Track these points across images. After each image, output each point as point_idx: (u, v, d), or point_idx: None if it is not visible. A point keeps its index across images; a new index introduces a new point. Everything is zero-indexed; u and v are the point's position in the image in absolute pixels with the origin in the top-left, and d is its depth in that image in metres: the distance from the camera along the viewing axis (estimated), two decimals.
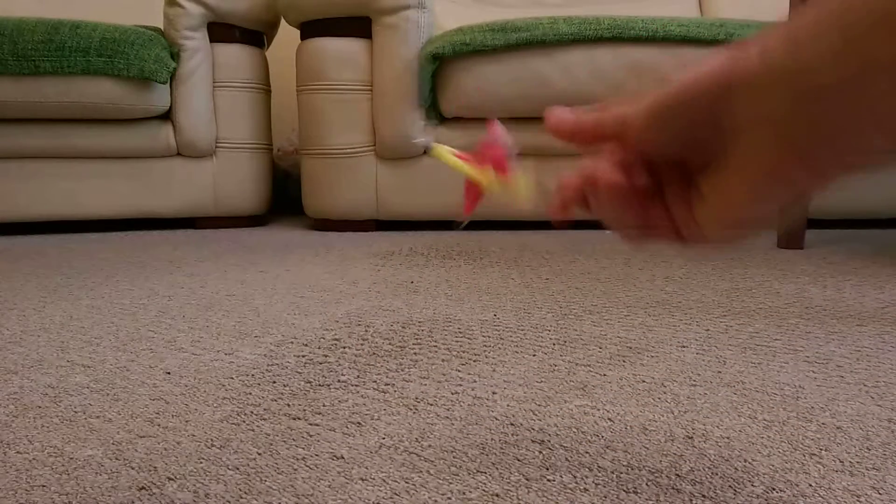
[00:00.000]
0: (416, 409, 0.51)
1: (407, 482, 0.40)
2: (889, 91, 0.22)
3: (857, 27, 0.22)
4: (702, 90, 0.27)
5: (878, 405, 0.52)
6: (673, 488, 0.40)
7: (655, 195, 0.34)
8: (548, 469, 0.42)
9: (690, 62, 0.28)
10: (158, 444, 0.46)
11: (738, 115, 0.26)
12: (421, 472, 0.42)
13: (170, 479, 0.41)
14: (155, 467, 0.42)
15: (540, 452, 0.44)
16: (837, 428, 0.48)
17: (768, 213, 0.29)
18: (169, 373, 0.60)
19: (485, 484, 0.40)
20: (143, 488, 0.40)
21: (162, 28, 1.74)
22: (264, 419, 0.50)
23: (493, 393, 0.55)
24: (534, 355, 0.65)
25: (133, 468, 0.42)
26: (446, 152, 0.42)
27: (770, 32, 0.26)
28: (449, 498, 0.38)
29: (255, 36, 1.85)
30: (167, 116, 1.71)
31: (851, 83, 0.22)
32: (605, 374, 0.59)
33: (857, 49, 0.22)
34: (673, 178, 0.33)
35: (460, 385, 0.57)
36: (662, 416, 0.50)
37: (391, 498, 0.38)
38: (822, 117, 0.24)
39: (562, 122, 0.35)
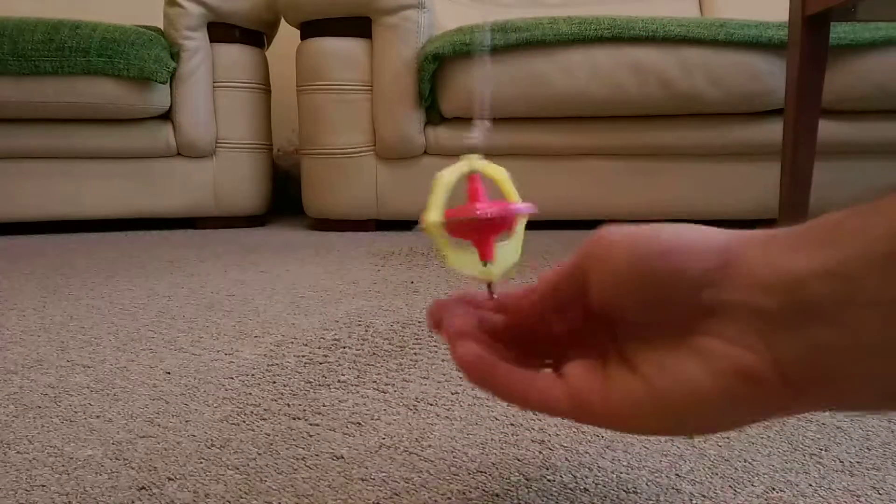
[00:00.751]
0: (416, 409, 0.51)
1: (407, 482, 0.40)
2: (870, 327, 0.20)
3: (855, 251, 0.21)
4: (698, 251, 0.24)
5: None
6: (673, 488, 0.40)
7: (559, 346, 0.30)
8: (548, 469, 0.42)
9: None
10: (158, 444, 0.46)
11: (727, 295, 0.23)
12: (421, 472, 0.42)
13: (170, 479, 0.41)
14: (155, 467, 0.42)
15: (540, 452, 0.44)
16: (837, 428, 0.48)
17: (714, 421, 0.24)
18: (169, 373, 0.60)
19: (485, 484, 0.40)
20: (143, 488, 0.40)
21: (162, 28, 1.75)
22: (264, 419, 0.50)
23: None
24: None
25: (133, 468, 0.42)
26: (441, 232, 0.36)
27: (772, 232, 0.23)
28: (449, 498, 0.38)
29: (255, 36, 1.85)
30: (167, 116, 1.71)
31: (840, 304, 0.20)
32: None
33: (847, 273, 0.20)
34: (597, 336, 0.28)
35: (460, 385, 0.56)
36: None
37: (391, 498, 0.38)
38: (820, 340, 0.21)
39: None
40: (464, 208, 0.36)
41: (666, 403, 0.24)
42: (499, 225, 0.35)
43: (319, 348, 0.67)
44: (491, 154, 0.37)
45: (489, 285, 0.36)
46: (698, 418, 0.24)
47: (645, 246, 0.24)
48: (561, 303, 0.29)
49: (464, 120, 1.63)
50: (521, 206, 0.36)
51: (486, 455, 0.44)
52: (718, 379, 0.23)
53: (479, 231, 0.36)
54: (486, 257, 0.36)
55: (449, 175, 0.36)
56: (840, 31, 1.49)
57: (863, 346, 0.20)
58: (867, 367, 0.21)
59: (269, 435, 0.47)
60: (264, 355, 0.65)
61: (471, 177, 0.36)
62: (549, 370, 0.31)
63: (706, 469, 0.42)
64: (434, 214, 0.36)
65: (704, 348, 0.23)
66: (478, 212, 0.35)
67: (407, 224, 1.73)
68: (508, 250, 0.37)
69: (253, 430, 0.48)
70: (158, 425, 0.49)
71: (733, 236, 0.24)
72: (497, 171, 0.37)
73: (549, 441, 0.46)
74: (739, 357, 0.22)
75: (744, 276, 0.23)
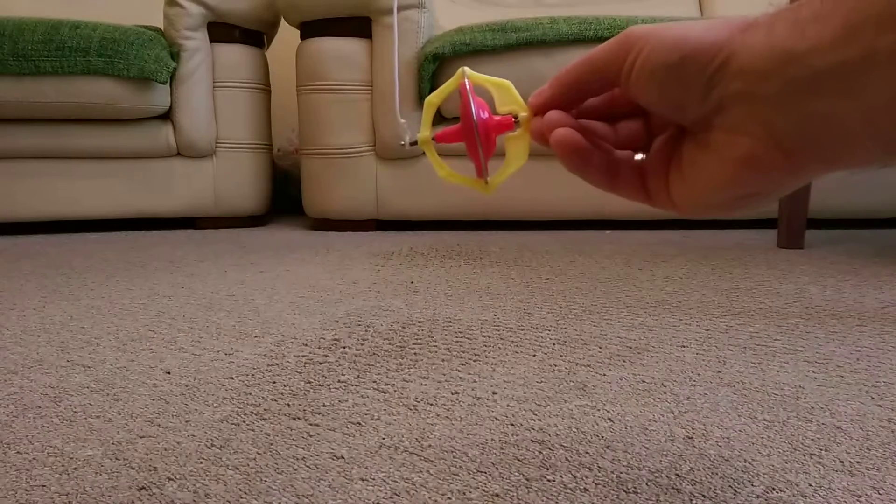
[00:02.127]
0: (416, 409, 0.51)
1: (407, 482, 0.40)
2: (883, 86, 0.22)
3: (860, 15, 0.22)
4: (702, 50, 0.26)
5: (878, 405, 0.52)
6: (673, 488, 0.40)
7: (636, 149, 0.33)
8: (548, 469, 0.42)
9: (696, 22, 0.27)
10: (158, 444, 0.46)
11: (729, 87, 0.25)
12: (421, 472, 0.42)
13: (170, 479, 0.41)
14: (155, 467, 0.42)
15: (540, 452, 0.44)
16: (837, 428, 0.48)
17: (743, 201, 0.28)
18: (169, 373, 0.60)
19: (485, 484, 0.40)
20: (143, 488, 0.40)
21: (162, 28, 1.74)
22: (264, 419, 0.50)
23: (493, 393, 0.55)
24: (534, 355, 0.65)
25: (133, 468, 0.42)
26: (432, 147, 0.38)
27: (777, 13, 0.25)
28: (449, 498, 0.38)
29: (255, 36, 1.85)
30: (167, 116, 1.71)
31: (847, 72, 0.22)
32: (605, 374, 0.59)
33: (857, 37, 0.22)
34: (659, 139, 0.32)
35: (460, 385, 0.57)
36: (662, 416, 0.50)
37: (391, 498, 0.38)
38: (813, 111, 0.23)
39: (540, 93, 0.33)
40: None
41: (699, 193, 0.28)
42: (489, 129, 0.35)
43: (319, 348, 0.67)
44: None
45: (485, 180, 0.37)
46: (723, 203, 0.28)
47: (660, 49, 0.27)
48: (586, 92, 0.33)
49: None
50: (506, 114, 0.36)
51: (486, 455, 0.44)
52: (726, 167, 0.26)
53: (469, 137, 0.36)
54: (478, 167, 0.36)
55: (435, 96, 0.38)
56: None
57: (870, 107, 0.22)
58: (873, 127, 0.22)
59: (269, 435, 0.47)
60: (264, 355, 0.65)
61: (461, 90, 0.36)
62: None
63: (706, 469, 0.42)
64: (424, 131, 0.37)
65: (713, 141, 0.27)
66: (458, 116, 0.36)
67: (407, 224, 1.73)
68: (514, 153, 0.36)
69: (253, 430, 0.48)
70: (158, 425, 0.49)
71: (737, 27, 0.26)
72: (496, 82, 0.37)
73: (549, 441, 0.46)
74: (741, 144, 0.25)
75: (745, 67, 0.25)
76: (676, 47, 0.26)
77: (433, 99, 0.38)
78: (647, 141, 0.33)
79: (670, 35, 0.27)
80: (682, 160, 0.29)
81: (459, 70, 0.36)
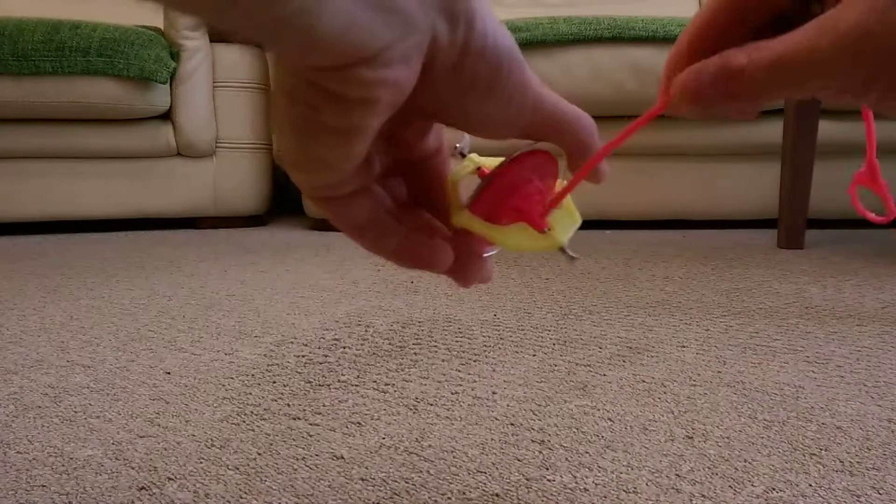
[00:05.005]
0: (416, 409, 0.51)
1: (407, 482, 0.40)
2: None
3: None
4: None
5: (878, 405, 0.52)
6: (673, 488, 0.40)
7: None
8: (548, 469, 0.42)
9: None
10: (158, 444, 0.46)
11: None
12: (421, 472, 0.42)
13: (170, 479, 0.41)
14: (155, 467, 0.42)
15: (540, 452, 0.44)
16: (837, 428, 0.48)
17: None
18: (169, 373, 0.60)
19: (485, 484, 0.40)
20: (143, 488, 0.40)
21: (162, 28, 1.74)
22: (264, 419, 0.50)
23: (493, 393, 0.55)
24: (534, 355, 0.65)
25: (133, 468, 0.42)
26: (471, 220, 0.29)
27: None
28: (449, 498, 0.38)
29: None
30: (167, 116, 1.71)
31: None
32: (605, 374, 0.59)
33: None
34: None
35: (460, 385, 0.57)
36: (662, 416, 0.50)
37: (391, 498, 0.38)
38: None
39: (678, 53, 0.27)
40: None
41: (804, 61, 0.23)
42: (523, 178, 0.30)
43: (319, 348, 0.67)
44: (491, 155, 0.36)
45: (563, 251, 0.30)
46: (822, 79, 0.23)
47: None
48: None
49: None
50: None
51: (486, 455, 0.44)
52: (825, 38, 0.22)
53: (506, 196, 0.30)
54: (537, 224, 0.30)
55: (453, 175, 0.32)
56: None
57: None
58: None
59: (269, 435, 0.47)
60: (264, 355, 0.65)
61: (479, 174, 0.31)
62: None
63: (706, 469, 0.42)
64: (457, 212, 0.31)
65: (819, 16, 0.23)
66: (485, 171, 0.30)
67: None
68: (563, 217, 0.31)
69: (253, 430, 0.48)
70: (158, 425, 0.49)
71: None
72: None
73: (549, 441, 0.46)
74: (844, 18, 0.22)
75: None
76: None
77: (453, 177, 0.32)
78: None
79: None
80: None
81: (468, 160, 0.31)
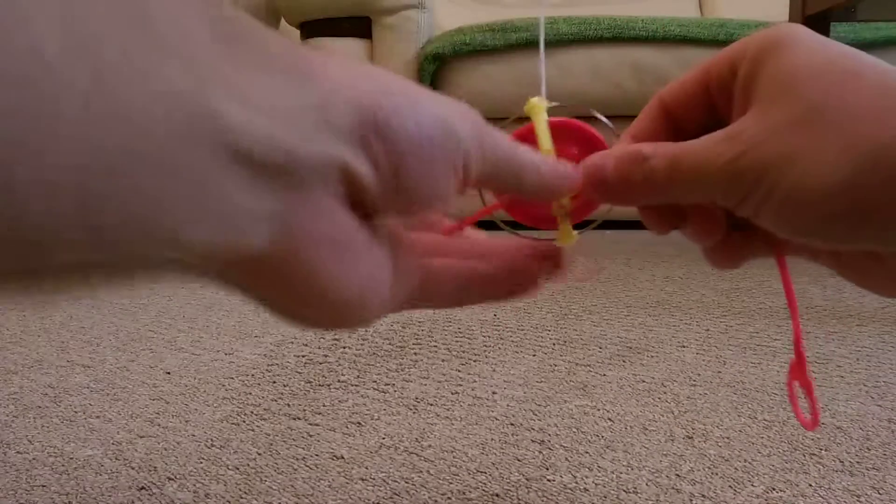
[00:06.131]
0: (416, 409, 0.51)
1: (407, 482, 0.40)
2: None
3: None
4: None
5: (878, 405, 0.52)
6: (673, 488, 0.40)
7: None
8: (548, 469, 0.42)
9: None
10: (158, 444, 0.46)
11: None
12: (421, 472, 0.42)
13: (170, 479, 0.41)
14: (155, 467, 0.42)
15: (540, 452, 0.44)
16: (837, 428, 0.48)
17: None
18: (169, 373, 0.60)
19: (485, 484, 0.40)
20: (143, 488, 0.40)
21: None
22: (264, 419, 0.50)
23: (493, 393, 0.55)
24: (534, 355, 0.65)
25: (133, 468, 0.42)
26: (543, 122, 0.30)
27: None
28: (449, 498, 0.38)
29: None
30: None
31: None
32: (605, 374, 0.59)
33: None
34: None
35: (460, 385, 0.57)
36: (662, 416, 0.50)
37: (391, 498, 0.38)
38: None
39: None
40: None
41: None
42: (591, 145, 0.30)
43: (319, 348, 0.67)
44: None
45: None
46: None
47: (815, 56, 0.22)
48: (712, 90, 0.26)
49: None
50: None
51: (486, 455, 0.44)
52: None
53: (579, 143, 0.30)
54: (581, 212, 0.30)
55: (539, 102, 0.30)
56: (840, 31, 1.48)
57: None
58: None
59: (269, 435, 0.47)
60: (264, 355, 0.65)
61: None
62: None
63: (706, 469, 0.42)
64: (539, 100, 0.30)
65: None
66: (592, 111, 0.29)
67: None
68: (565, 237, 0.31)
69: (253, 430, 0.48)
70: (158, 425, 0.49)
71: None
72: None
73: (549, 441, 0.46)
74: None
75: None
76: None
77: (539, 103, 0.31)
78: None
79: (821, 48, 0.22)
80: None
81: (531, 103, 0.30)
